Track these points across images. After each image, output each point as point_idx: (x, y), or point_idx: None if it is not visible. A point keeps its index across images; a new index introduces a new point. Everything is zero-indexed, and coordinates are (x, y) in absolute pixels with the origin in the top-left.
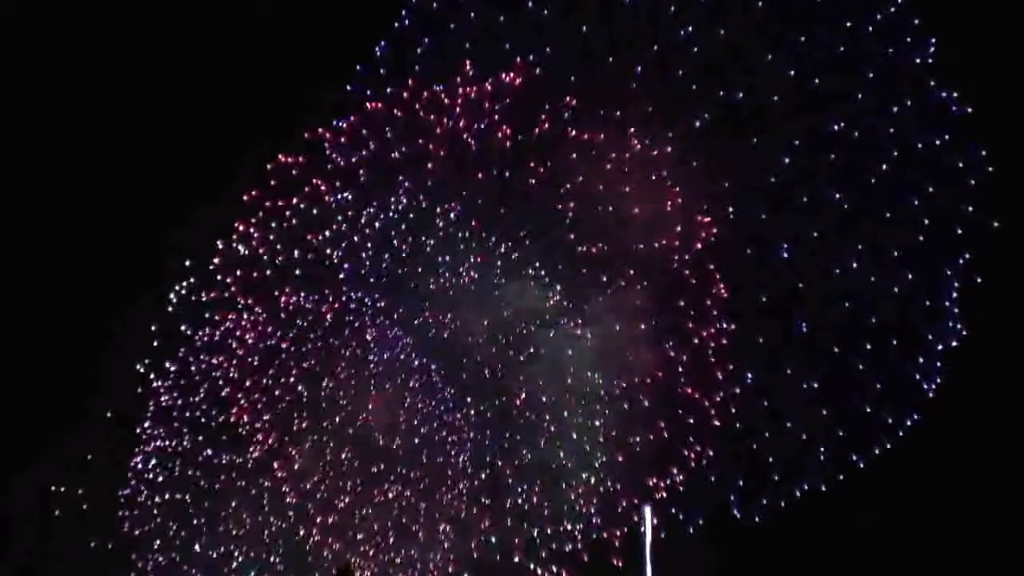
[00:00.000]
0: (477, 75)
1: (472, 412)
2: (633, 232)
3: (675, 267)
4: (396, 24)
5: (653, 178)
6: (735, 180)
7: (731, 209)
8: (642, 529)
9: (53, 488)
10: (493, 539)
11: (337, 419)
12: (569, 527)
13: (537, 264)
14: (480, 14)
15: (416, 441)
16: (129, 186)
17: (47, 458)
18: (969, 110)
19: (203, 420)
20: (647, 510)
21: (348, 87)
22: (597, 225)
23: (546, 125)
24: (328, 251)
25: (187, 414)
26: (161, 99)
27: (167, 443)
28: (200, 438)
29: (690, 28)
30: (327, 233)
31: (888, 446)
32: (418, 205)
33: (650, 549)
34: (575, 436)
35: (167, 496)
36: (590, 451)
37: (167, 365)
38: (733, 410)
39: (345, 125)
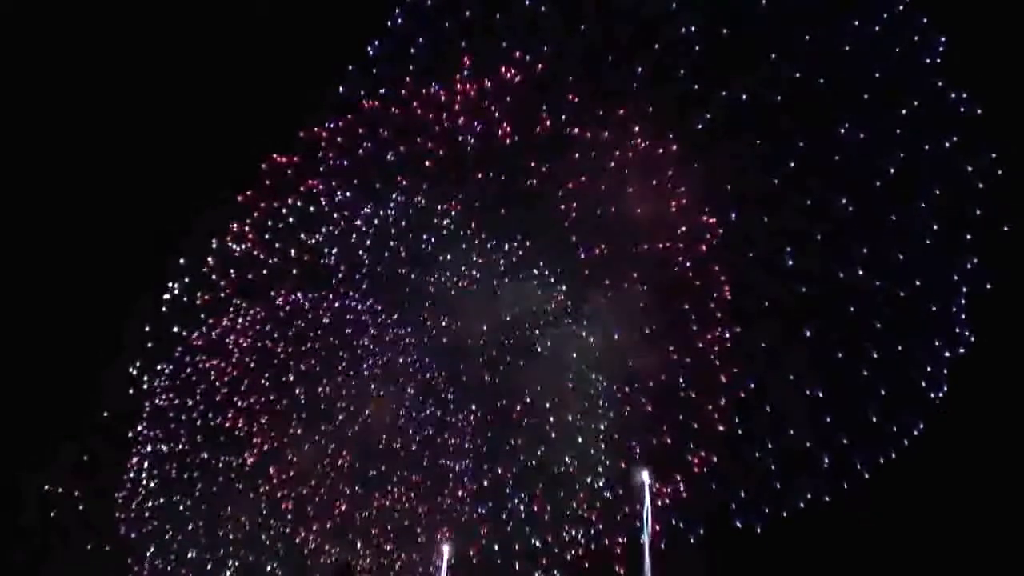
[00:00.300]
0: (474, 73)
1: (472, 417)
2: (635, 233)
3: (676, 269)
4: (389, 23)
5: (654, 183)
6: (738, 182)
7: (734, 215)
8: (640, 492)
9: (48, 488)
10: (496, 546)
11: (337, 421)
12: (572, 533)
13: (541, 264)
14: (476, 12)
15: (414, 447)
16: (125, 190)
17: (45, 460)
18: (979, 111)
19: (199, 422)
20: (644, 474)
21: (340, 88)
22: (599, 226)
23: (547, 123)
24: (325, 251)
25: (183, 416)
26: (156, 100)
27: (164, 446)
28: (199, 438)
29: (692, 28)
30: (323, 232)
31: (893, 455)
32: (416, 205)
33: (649, 516)
34: (578, 440)
35: (162, 500)
36: (592, 455)
37: (163, 367)
38: (736, 419)
39: (341, 124)
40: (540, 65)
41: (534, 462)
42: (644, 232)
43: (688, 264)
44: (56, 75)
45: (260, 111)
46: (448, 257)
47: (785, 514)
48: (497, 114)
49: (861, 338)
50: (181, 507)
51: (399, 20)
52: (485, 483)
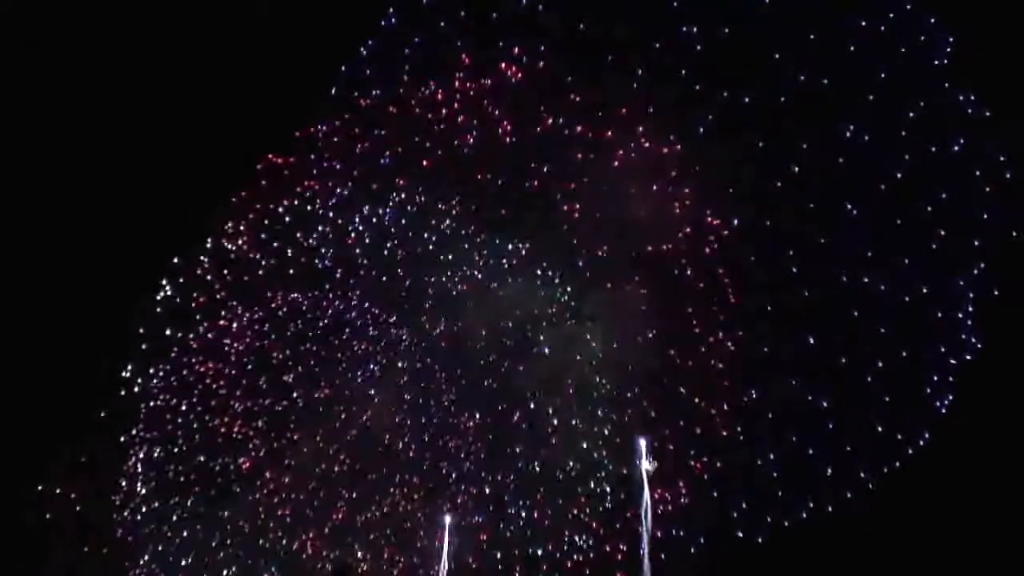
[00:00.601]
0: (473, 72)
1: (471, 421)
2: (637, 234)
3: (677, 272)
4: (383, 22)
5: (655, 187)
6: (741, 184)
7: (736, 220)
8: (638, 464)
9: (46, 488)
10: (496, 553)
11: (336, 424)
12: (573, 539)
13: (544, 264)
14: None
15: (411, 453)
16: (122, 192)
17: (42, 462)
18: (987, 113)
19: (196, 425)
20: (642, 443)
21: (333, 89)
22: (600, 226)
23: (548, 122)
24: (322, 252)
25: (180, 419)
26: (152, 99)
27: (160, 448)
28: (196, 440)
29: (694, 28)
30: (319, 232)
31: (898, 464)
32: (415, 205)
33: (648, 493)
34: (581, 444)
35: (159, 502)
36: (594, 459)
37: (159, 368)
38: (738, 428)
39: (339, 124)
40: (541, 63)
41: (534, 466)
42: (646, 234)
43: (690, 267)
44: (52, 74)
45: (258, 111)
46: (448, 257)
47: (787, 524)
48: (497, 114)
49: (865, 344)
50: (178, 510)
51: (392, 20)
52: (486, 488)
